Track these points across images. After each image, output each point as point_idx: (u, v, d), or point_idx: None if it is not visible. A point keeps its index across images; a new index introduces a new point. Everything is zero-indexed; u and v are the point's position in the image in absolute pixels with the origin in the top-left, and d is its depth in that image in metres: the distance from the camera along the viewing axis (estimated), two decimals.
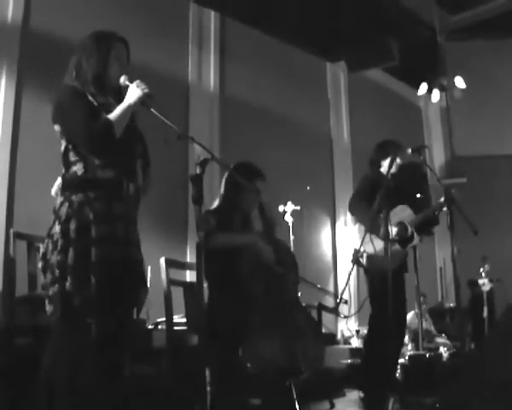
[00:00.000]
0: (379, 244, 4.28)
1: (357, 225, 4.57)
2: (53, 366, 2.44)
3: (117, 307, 2.58)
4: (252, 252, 3.55)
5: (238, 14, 7.25)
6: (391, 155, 4.52)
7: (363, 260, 4.45)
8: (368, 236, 4.24)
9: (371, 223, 4.23)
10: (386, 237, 4.06)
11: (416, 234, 4.53)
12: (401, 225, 4.48)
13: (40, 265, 2.57)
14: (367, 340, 4.67)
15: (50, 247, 2.51)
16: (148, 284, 4.79)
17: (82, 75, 2.64)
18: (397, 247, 4.41)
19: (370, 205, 4.26)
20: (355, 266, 4.65)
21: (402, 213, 4.54)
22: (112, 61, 2.69)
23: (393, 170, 4.52)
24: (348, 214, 7.31)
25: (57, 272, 2.45)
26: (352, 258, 4.47)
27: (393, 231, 4.42)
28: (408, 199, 4.68)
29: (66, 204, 2.53)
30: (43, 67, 5.07)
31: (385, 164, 4.59)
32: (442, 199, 4.54)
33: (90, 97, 2.59)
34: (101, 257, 2.48)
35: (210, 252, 3.29)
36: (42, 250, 2.58)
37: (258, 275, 3.53)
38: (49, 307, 2.49)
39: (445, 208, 4.56)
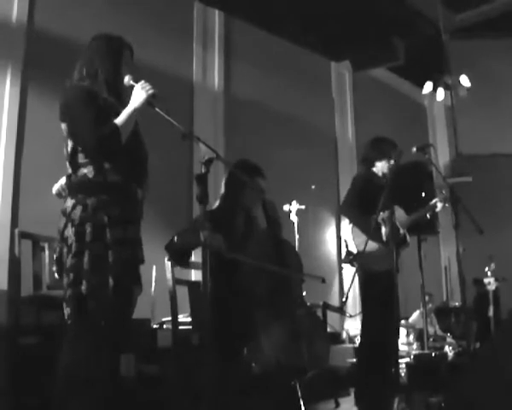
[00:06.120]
0: (372, 245, 4.12)
1: (351, 226, 4.38)
2: (70, 367, 2.44)
3: (127, 306, 2.65)
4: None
5: (242, 12, 7.25)
6: (386, 154, 4.43)
7: (356, 261, 4.34)
8: (362, 237, 4.19)
9: (366, 226, 4.17)
10: (391, 238, 4.02)
11: (408, 235, 4.47)
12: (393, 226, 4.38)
13: (55, 269, 2.59)
14: (361, 340, 4.58)
15: (65, 250, 2.52)
16: (154, 284, 4.87)
17: (93, 74, 2.65)
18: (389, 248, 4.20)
19: (363, 207, 4.22)
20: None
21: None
22: (122, 63, 2.72)
23: (388, 171, 4.46)
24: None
25: (71, 275, 2.46)
26: (344, 258, 4.43)
27: (385, 232, 4.26)
28: (412, 199, 4.63)
29: (80, 207, 2.51)
30: (47, 67, 5.08)
31: (379, 164, 4.48)
32: (435, 200, 4.51)
33: (101, 98, 2.60)
34: (117, 259, 2.50)
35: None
36: (56, 254, 2.58)
37: (262, 275, 3.52)
38: (66, 310, 2.51)
39: (437, 209, 4.51)
